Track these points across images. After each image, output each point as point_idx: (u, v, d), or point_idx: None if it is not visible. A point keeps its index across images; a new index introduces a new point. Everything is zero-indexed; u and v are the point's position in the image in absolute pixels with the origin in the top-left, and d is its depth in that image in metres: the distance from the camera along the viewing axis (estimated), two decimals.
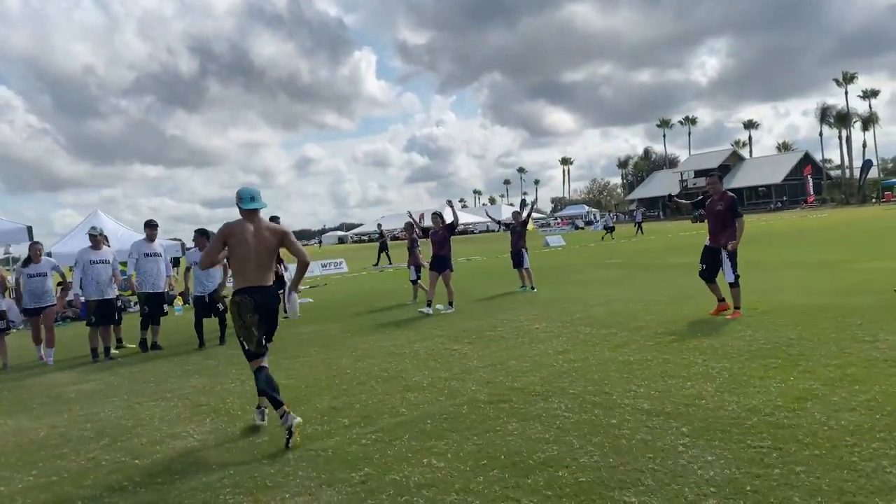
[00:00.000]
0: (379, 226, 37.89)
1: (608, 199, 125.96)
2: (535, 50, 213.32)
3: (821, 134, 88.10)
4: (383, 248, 30.05)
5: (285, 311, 5.90)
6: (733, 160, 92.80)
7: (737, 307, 8.60)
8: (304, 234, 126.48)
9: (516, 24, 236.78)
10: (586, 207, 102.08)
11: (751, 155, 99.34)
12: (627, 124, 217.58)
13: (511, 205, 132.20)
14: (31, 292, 9.89)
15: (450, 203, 12.25)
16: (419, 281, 13.43)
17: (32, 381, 8.44)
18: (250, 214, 5.24)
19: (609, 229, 38.97)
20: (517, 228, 14.26)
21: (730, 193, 8.91)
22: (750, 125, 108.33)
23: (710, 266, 8.84)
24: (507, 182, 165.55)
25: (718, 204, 8.79)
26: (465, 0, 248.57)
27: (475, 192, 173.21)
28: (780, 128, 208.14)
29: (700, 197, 9.36)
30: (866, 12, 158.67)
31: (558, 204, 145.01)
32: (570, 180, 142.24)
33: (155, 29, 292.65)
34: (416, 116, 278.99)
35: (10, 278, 10.99)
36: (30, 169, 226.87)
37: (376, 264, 29.15)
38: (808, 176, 53.84)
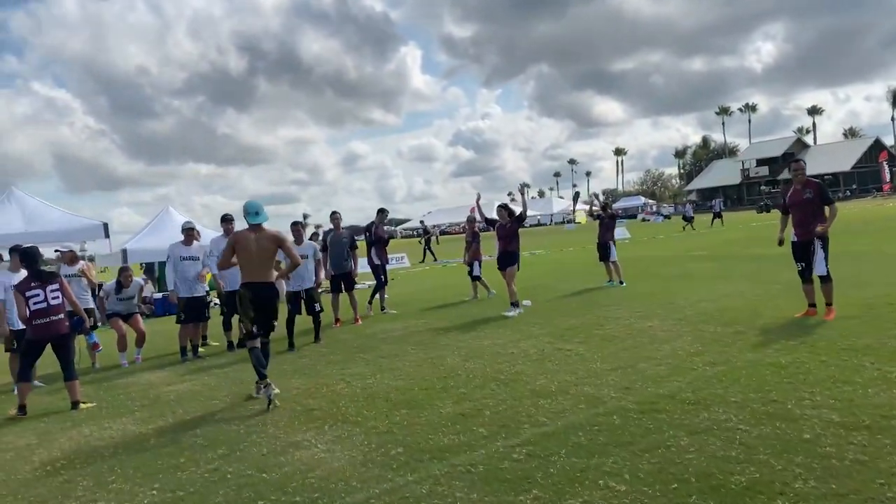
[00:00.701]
0: (422, 222, 38.10)
1: (662, 190, 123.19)
2: (582, 39, 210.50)
3: (893, 119, 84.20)
4: (427, 243, 30.38)
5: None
6: (797, 148, 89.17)
7: (829, 304, 7.71)
8: (352, 231, 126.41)
9: (564, 13, 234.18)
10: (643, 199, 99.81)
11: (815, 142, 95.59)
12: (679, 113, 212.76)
13: (562, 198, 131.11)
14: (123, 303, 9.90)
15: (522, 190, 11.55)
16: (482, 278, 12.88)
17: (125, 382, 8.20)
18: (253, 226, 6.57)
19: (688, 219, 37.54)
20: (605, 220, 13.53)
21: (815, 180, 8.01)
22: (814, 111, 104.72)
23: (809, 263, 7.91)
24: (557, 174, 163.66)
25: (806, 192, 7.90)
26: None
27: (524, 184, 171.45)
28: (841, 114, 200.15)
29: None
30: None
31: (610, 196, 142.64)
32: (623, 171, 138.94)
33: (205, 29, 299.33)
34: (461, 110, 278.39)
35: (94, 273, 10.81)
36: (88, 169, 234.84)
37: (422, 260, 29.07)
38: (884, 162, 51.16)
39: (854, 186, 75.05)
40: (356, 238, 11.57)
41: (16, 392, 7.32)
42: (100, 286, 10.29)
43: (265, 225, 6.66)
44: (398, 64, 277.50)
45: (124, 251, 16.11)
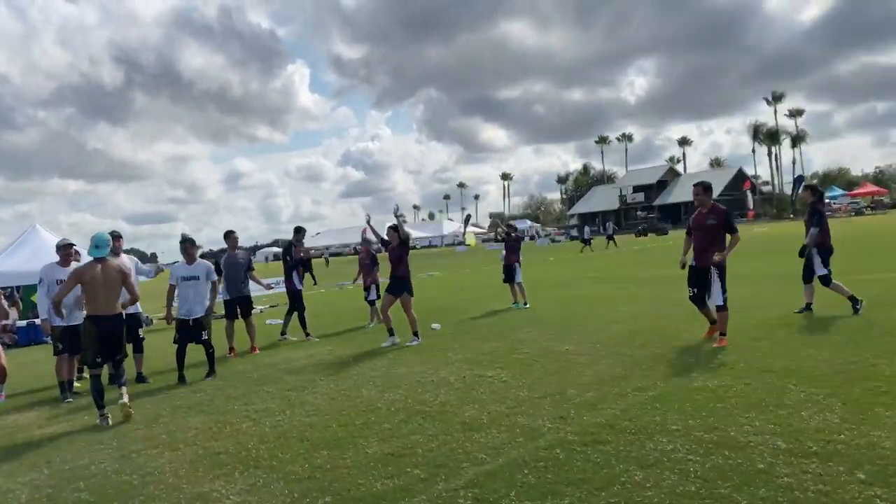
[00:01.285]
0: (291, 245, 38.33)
1: (546, 215, 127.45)
2: (470, 66, 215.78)
3: (753, 151, 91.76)
4: (307, 267, 29.63)
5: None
6: (670, 176, 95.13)
7: (723, 333, 7.57)
8: (207, 255, 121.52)
9: (453, 40, 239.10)
10: (528, 222, 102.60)
11: (685, 171, 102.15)
12: (560, 141, 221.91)
13: (451, 220, 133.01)
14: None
15: (396, 212, 10.29)
16: (377, 303, 12.36)
17: None
18: (98, 258, 6.71)
19: (586, 241, 38.71)
20: (510, 243, 13.56)
21: (721, 206, 7.87)
22: (683, 142, 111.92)
23: (701, 289, 7.89)
24: (447, 197, 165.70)
25: (709, 218, 7.70)
26: (401, 15, 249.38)
27: (414, 206, 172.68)
28: (705, 145, 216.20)
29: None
30: (786, 35, 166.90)
31: (498, 219, 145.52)
32: (509, 195, 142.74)
33: (76, 37, 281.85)
34: (350, 131, 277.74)
35: None
36: None
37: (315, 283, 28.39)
38: (748, 191, 55.25)
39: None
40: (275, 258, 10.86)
41: None
42: None
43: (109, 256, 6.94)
44: (285, 81, 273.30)
45: None
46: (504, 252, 13.54)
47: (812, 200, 9.39)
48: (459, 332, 10.38)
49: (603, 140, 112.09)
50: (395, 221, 9.86)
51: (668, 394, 5.72)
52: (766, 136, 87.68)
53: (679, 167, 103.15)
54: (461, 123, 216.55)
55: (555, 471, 4.17)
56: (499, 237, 14.20)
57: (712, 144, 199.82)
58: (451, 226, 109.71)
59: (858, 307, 8.72)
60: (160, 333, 13.59)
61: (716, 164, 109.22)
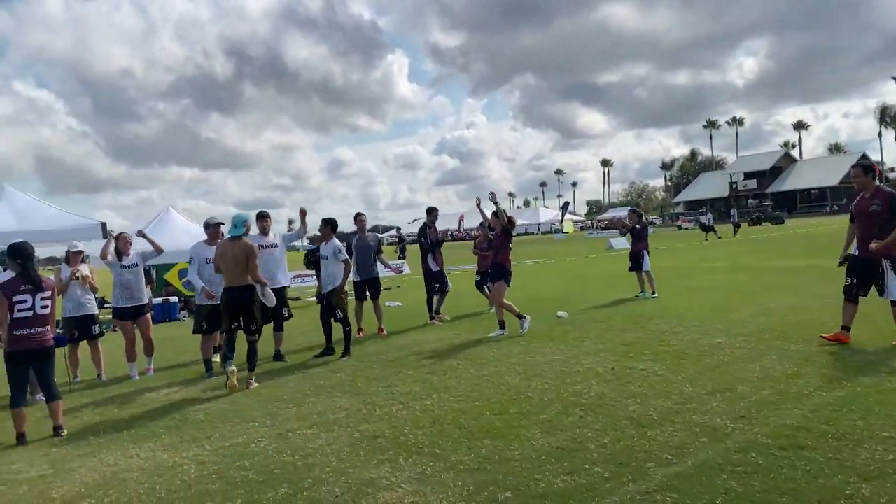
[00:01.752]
0: (398, 230, 38.81)
1: (647, 202, 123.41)
2: (569, 51, 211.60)
3: (879, 135, 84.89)
4: (402, 252, 29.97)
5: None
6: (785, 162, 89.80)
7: None
8: (338, 236, 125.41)
9: (550, 24, 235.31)
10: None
11: (801, 157, 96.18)
12: (662, 126, 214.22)
13: (547, 207, 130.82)
14: (125, 287, 8.70)
15: (492, 199, 9.61)
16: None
17: (144, 399, 7.34)
18: (233, 238, 7.41)
19: (708, 229, 35.43)
20: (638, 230, 12.92)
21: (888, 189, 6.94)
22: (799, 126, 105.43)
23: (861, 282, 6.97)
24: (543, 184, 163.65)
25: (873, 203, 6.86)
26: (499, 1, 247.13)
27: (510, 194, 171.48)
28: (820, 130, 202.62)
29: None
30: None
31: (593, 206, 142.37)
32: (609, 182, 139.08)
33: (191, 32, 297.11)
34: (446, 119, 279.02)
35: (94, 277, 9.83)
36: (70, 171, 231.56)
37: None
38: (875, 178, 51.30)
39: (844, 200, 75.34)
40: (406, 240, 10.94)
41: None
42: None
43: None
44: (385, 71, 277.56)
45: None
46: (632, 239, 12.96)
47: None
48: (589, 321, 9.96)
49: (712, 124, 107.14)
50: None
51: (859, 395, 5.13)
52: (894, 119, 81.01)
53: (794, 153, 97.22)
54: (558, 109, 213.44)
55: (759, 478, 3.75)
56: (624, 230, 13.64)
57: (828, 129, 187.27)
58: (547, 213, 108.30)
59: None
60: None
61: (835, 149, 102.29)
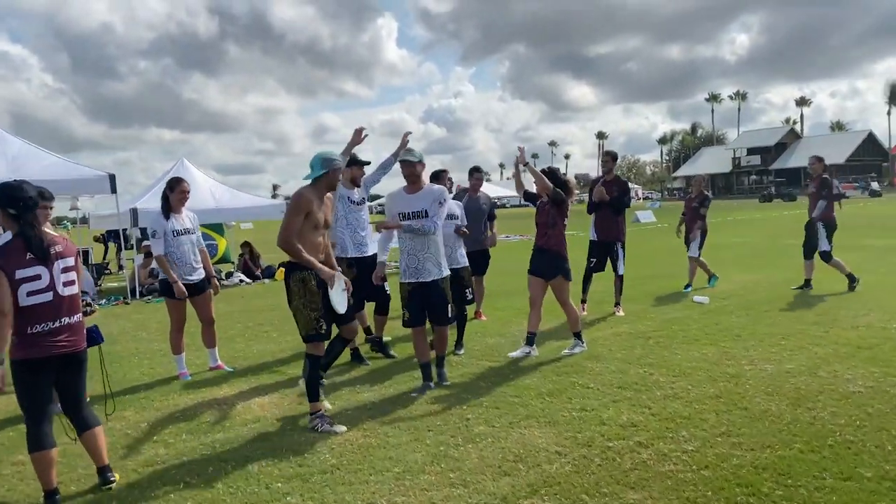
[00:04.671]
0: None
1: (637, 176, 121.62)
2: (562, 19, 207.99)
3: (888, 113, 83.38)
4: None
5: None
6: (790, 138, 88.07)
7: None
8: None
9: None
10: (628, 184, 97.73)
11: (802, 133, 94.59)
12: (649, 101, 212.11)
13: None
14: (181, 259, 6.16)
15: (520, 159, 6.45)
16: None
17: (216, 415, 5.20)
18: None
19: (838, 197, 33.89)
20: (694, 204, 9.80)
21: None
22: (802, 102, 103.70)
23: None
24: (535, 156, 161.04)
25: None
26: None
27: (500, 165, 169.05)
28: (807, 110, 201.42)
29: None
30: None
31: (581, 180, 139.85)
32: (602, 155, 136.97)
33: None
34: (434, 87, 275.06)
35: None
36: (46, 129, 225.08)
37: None
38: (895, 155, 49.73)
39: (851, 178, 74.02)
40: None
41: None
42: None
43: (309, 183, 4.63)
44: (373, 35, 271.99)
45: (134, 211, 12.89)
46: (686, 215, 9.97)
47: (822, 172, 9.11)
48: (742, 308, 7.98)
49: (714, 98, 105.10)
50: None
51: None
52: None
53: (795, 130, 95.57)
54: (547, 81, 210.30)
55: None
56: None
57: (815, 109, 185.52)
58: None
59: (855, 284, 8.81)
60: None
61: (837, 127, 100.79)
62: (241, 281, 14.13)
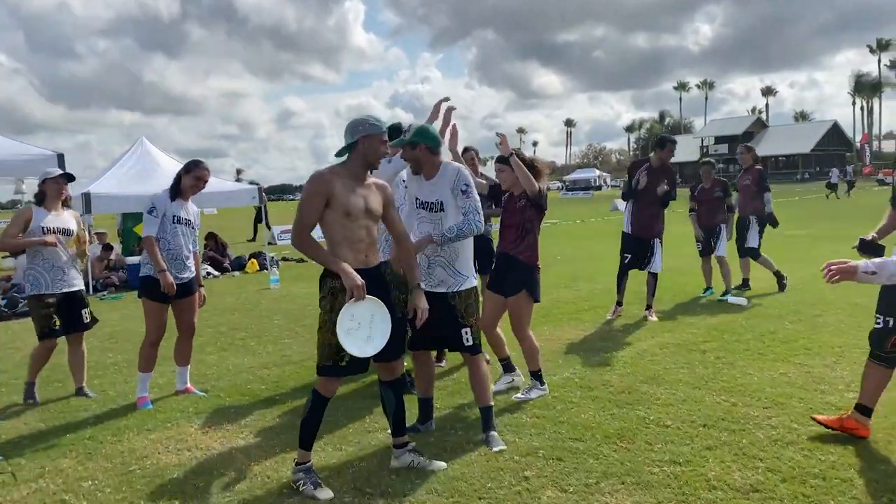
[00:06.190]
0: None
1: (603, 164, 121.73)
2: (531, 6, 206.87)
3: (854, 103, 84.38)
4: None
5: None
6: (756, 127, 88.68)
7: None
8: (283, 189, 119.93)
9: None
10: (597, 171, 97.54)
11: (767, 123, 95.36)
12: (615, 90, 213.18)
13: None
14: (173, 251, 4.98)
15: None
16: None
17: (193, 454, 3.98)
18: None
19: (832, 187, 35.78)
20: (716, 194, 8.38)
21: None
22: (768, 92, 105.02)
23: None
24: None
25: None
26: None
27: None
28: (767, 99, 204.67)
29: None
30: None
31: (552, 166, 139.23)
32: (571, 143, 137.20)
33: None
34: (401, 73, 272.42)
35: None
36: (2, 110, 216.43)
37: None
38: (866, 145, 49.84)
39: (816, 169, 74.67)
40: None
41: None
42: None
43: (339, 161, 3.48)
44: (340, 19, 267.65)
45: (86, 195, 11.40)
46: (700, 207, 8.58)
47: (752, 163, 8.68)
48: (764, 318, 7.03)
49: (682, 86, 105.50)
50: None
51: None
52: (869, 88, 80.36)
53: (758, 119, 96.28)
54: (515, 68, 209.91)
55: None
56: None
57: (775, 100, 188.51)
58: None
59: (785, 282, 8.50)
60: None
61: (801, 117, 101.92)
62: (209, 274, 12.76)
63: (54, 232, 5.06)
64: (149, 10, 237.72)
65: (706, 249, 8.51)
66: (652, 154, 7.36)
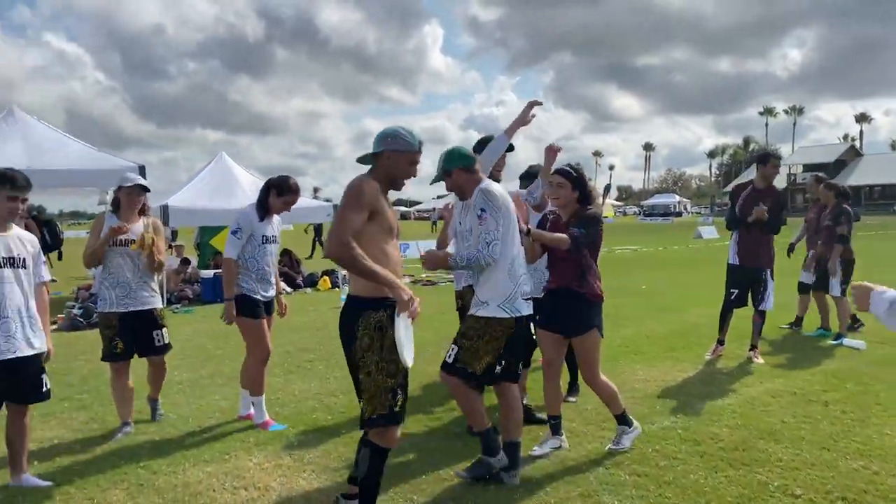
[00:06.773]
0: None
1: (683, 190, 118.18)
2: (611, 29, 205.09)
3: None
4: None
5: None
6: (850, 155, 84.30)
7: None
8: None
9: (596, 1, 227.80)
10: (676, 196, 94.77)
11: (862, 150, 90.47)
12: (694, 114, 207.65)
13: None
14: (262, 270, 4.80)
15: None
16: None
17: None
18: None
19: None
20: (827, 222, 7.47)
21: None
22: (862, 118, 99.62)
23: None
24: (578, 164, 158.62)
25: None
26: None
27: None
28: (862, 126, 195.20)
29: None
30: None
31: (623, 192, 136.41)
32: (650, 168, 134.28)
33: None
34: (476, 96, 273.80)
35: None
36: (97, 126, 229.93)
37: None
38: None
39: None
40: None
41: None
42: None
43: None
44: (419, 42, 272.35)
45: (164, 208, 11.48)
46: (809, 233, 8.03)
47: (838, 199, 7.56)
48: (891, 364, 6.16)
49: (769, 112, 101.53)
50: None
51: None
52: None
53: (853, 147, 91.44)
54: (592, 90, 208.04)
55: None
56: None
57: (869, 128, 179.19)
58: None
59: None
60: None
61: None
62: (283, 290, 12.61)
63: (121, 244, 4.79)
64: (235, 32, 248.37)
65: (820, 283, 7.67)
66: (755, 174, 6.65)
